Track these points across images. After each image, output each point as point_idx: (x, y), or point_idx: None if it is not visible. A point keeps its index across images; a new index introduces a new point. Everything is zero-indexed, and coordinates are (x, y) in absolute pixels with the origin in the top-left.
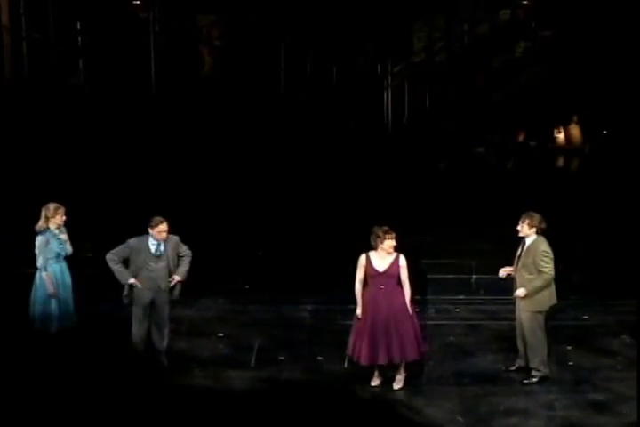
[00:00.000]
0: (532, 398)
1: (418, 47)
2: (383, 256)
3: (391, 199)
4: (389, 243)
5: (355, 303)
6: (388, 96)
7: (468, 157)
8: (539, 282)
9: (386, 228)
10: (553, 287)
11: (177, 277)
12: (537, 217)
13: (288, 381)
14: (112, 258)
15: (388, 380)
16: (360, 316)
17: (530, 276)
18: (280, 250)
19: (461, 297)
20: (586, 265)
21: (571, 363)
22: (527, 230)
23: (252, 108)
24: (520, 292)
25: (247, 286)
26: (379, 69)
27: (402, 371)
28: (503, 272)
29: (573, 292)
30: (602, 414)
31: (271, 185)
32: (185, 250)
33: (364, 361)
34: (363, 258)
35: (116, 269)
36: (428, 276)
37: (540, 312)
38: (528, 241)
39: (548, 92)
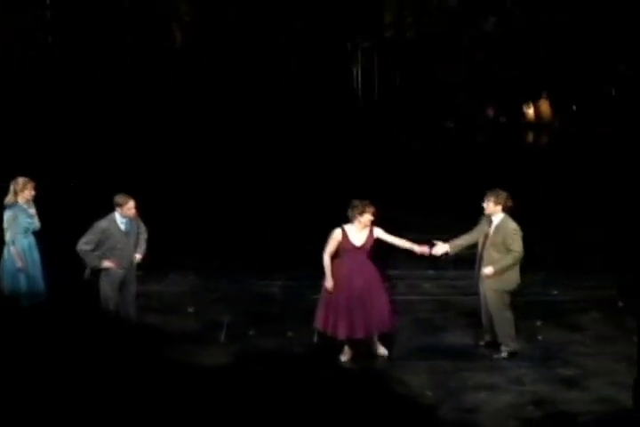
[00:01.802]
0: (502, 374)
1: (388, 22)
2: (359, 230)
3: (362, 175)
4: (369, 217)
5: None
6: (357, 72)
7: (438, 132)
8: (508, 260)
9: (366, 201)
10: (518, 266)
11: (138, 256)
12: (503, 195)
13: (258, 356)
14: (86, 249)
15: (358, 355)
16: (331, 289)
17: (499, 255)
18: (251, 225)
19: (431, 272)
20: (556, 241)
21: (540, 338)
22: (493, 208)
23: (222, 83)
24: (488, 271)
25: (217, 262)
26: (349, 45)
27: (378, 344)
28: (440, 250)
29: (543, 267)
30: (571, 389)
31: (242, 161)
32: (142, 226)
33: (341, 336)
34: (338, 232)
35: (91, 257)
36: (398, 251)
37: (506, 291)
38: (495, 220)
39: (518, 66)
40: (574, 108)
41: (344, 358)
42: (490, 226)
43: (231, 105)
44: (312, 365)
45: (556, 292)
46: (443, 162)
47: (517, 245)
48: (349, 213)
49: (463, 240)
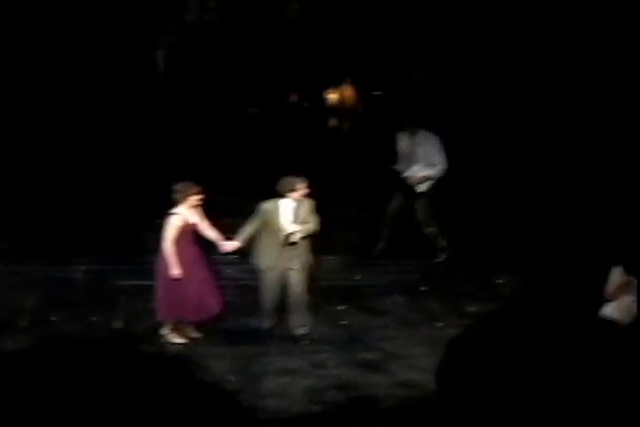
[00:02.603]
0: (304, 358)
1: (191, 7)
2: (190, 212)
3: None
4: (197, 197)
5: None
6: (160, 56)
7: (242, 117)
8: (314, 227)
9: (190, 183)
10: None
11: None
12: (295, 179)
13: (60, 340)
14: None
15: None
16: (179, 276)
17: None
18: (52, 209)
19: (234, 257)
20: (357, 225)
21: (343, 323)
22: (287, 192)
23: None
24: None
25: (19, 246)
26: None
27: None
28: (230, 247)
29: (345, 252)
30: (373, 373)
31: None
32: None
33: (193, 318)
34: (177, 218)
35: None
36: (202, 236)
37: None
38: (293, 204)
39: (321, 51)
40: (378, 93)
41: (179, 340)
42: (284, 209)
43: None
44: (115, 350)
45: (358, 276)
46: (248, 147)
47: (315, 222)
48: (176, 195)
49: (247, 230)
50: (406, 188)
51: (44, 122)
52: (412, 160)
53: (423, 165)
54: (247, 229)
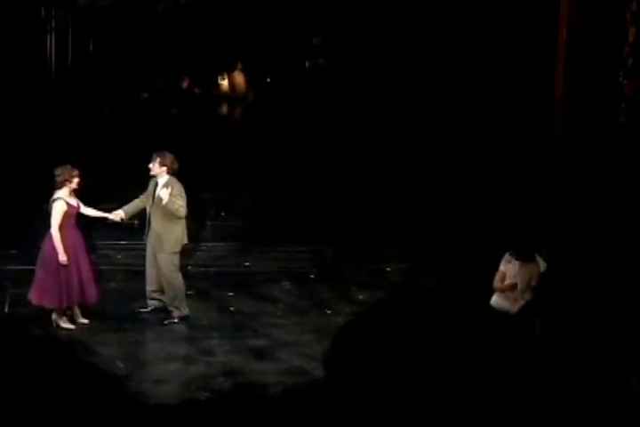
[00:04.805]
0: (193, 344)
1: None
2: (71, 196)
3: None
4: (77, 180)
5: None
6: (51, 40)
7: (132, 103)
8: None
9: (68, 166)
10: (185, 227)
11: None
12: (170, 157)
13: None
14: None
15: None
16: (66, 262)
17: (164, 215)
18: None
19: (123, 242)
20: (248, 212)
21: (232, 309)
22: (158, 169)
23: None
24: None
25: None
26: (42, 12)
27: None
28: (115, 216)
29: (235, 238)
30: (261, 360)
31: None
32: None
33: (76, 303)
34: (61, 203)
35: None
36: (90, 221)
37: (175, 253)
38: (161, 181)
39: (210, 37)
40: (268, 80)
41: (68, 325)
42: (156, 188)
43: None
44: (1, 334)
45: (247, 263)
46: (136, 133)
47: (182, 206)
48: (58, 179)
49: (134, 204)
50: None
51: None
52: None
53: None
54: (132, 205)
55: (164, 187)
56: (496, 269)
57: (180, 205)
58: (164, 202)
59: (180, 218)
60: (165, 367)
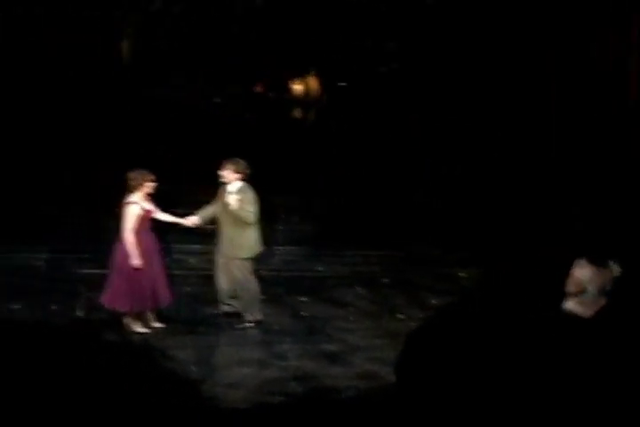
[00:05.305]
0: (266, 349)
1: None
2: (146, 200)
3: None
4: (152, 184)
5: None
6: (122, 43)
7: (205, 107)
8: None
9: (144, 171)
10: (258, 234)
11: None
12: (241, 163)
13: (21, 329)
14: None
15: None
16: (140, 266)
17: (235, 222)
18: (11, 197)
19: (197, 247)
20: (320, 217)
21: (304, 314)
22: (231, 176)
23: None
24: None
25: None
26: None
27: (154, 316)
28: (190, 222)
29: (307, 242)
30: (334, 365)
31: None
32: None
33: (151, 307)
34: (136, 207)
35: None
36: (164, 225)
37: (248, 259)
38: (232, 187)
39: (286, 43)
40: (342, 84)
41: (141, 329)
42: (226, 194)
43: None
44: (76, 338)
45: (320, 268)
46: (213, 138)
47: (248, 211)
48: (132, 183)
49: (207, 210)
50: None
51: None
52: None
53: None
54: (206, 210)
55: (235, 193)
56: (569, 273)
57: (250, 211)
58: (231, 207)
59: (250, 224)
60: (238, 372)
